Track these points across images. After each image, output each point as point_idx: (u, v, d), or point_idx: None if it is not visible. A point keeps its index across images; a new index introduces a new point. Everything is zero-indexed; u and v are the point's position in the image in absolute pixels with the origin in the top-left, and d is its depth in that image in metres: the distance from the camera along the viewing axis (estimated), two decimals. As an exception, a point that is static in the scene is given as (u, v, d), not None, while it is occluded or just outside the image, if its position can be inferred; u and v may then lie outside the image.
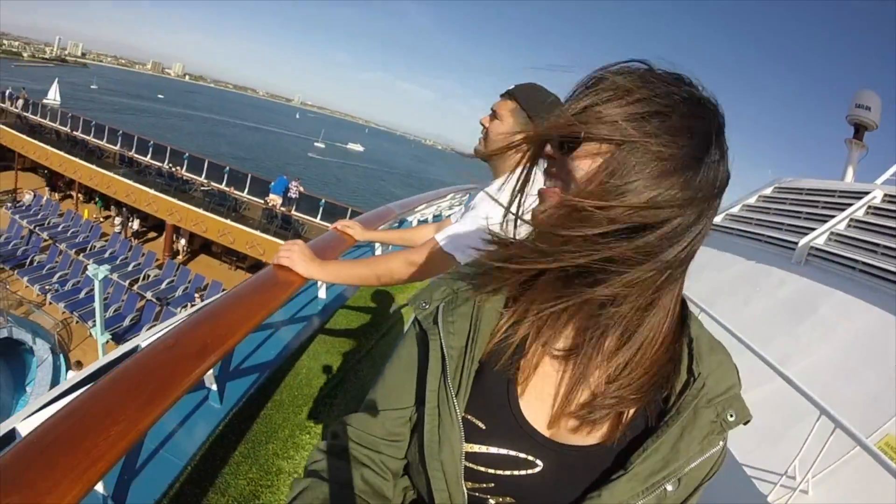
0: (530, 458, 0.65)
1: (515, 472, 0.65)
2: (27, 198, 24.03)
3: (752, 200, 8.52)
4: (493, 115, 1.65)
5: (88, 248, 19.98)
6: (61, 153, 24.12)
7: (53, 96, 54.10)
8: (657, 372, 0.64)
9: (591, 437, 0.65)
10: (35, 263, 18.55)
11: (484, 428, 0.66)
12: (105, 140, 25.63)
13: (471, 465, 0.66)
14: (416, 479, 0.73)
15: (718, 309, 4.69)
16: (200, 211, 19.80)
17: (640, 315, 0.62)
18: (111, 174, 22.18)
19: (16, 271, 17.82)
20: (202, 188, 21.54)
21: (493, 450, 0.65)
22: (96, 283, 10.14)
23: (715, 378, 0.65)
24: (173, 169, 22.86)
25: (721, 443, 0.64)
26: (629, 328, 0.62)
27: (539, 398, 0.67)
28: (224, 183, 22.00)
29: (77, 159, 23.48)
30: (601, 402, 0.63)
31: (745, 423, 0.66)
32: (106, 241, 21.13)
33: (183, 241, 22.34)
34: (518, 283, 0.68)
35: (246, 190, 21.57)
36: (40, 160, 25.42)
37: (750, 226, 7.68)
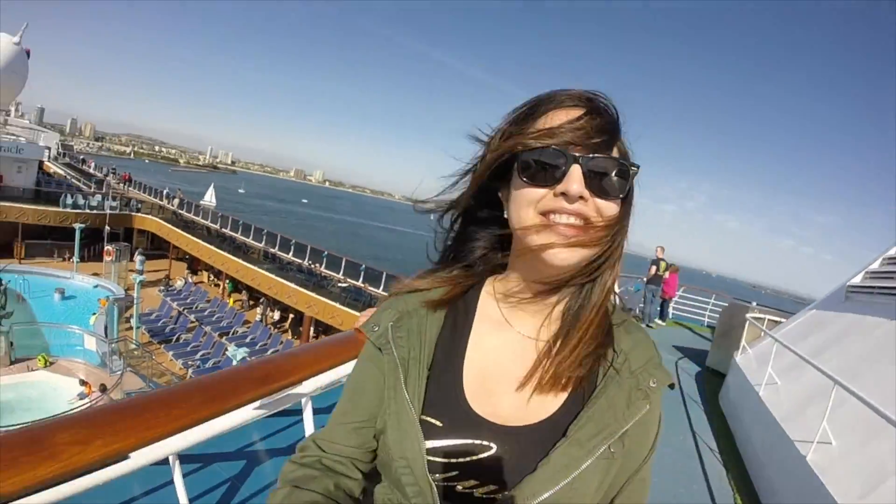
0: (485, 443, 0.72)
1: (474, 458, 0.72)
2: (179, 283, 27.28)
3: (893, 251, 7.51)
4: None
5: (231, 333, 21.73)
6: (211, 247, 26.83)
7: (210, 198, 61.12)
8: (594, 350, 0.76)
9: (535, 416, 0.74)
10: (181, 341, 20.51)
11: (440, 425, 0.74)
12: (251, 237, 28.08)
13: (433, 458, 0.72)
14: (387, 477, 0.79)
15: (865, 381, 4.39)
16: (337, 305, 20.66)
17: (585, 296, 0.77)
18: (256, 268, 24.46)
19: (163, 345, 19.91)
20: (339, 284, 22.92)
21: (451, 442, 0.73)
22: (234, 363, 10.05)
23: (636, 353, 0.78)
24: (313, 265, 24.88)
25: (648, 405, 0.75)
26: (573, 309, 0.78)
27: (486, 389, 0.77)
28: (360, 279, 22.99)
29: (225, 253, 26.34)
30: (543, 380, 0.75)
31: (671, 388, 0.80)
32: (248, 327, 22.91)
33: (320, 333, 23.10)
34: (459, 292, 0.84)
35: (381, 287, 21.90)
36: (192, 251, 28.29)
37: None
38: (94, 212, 28.17)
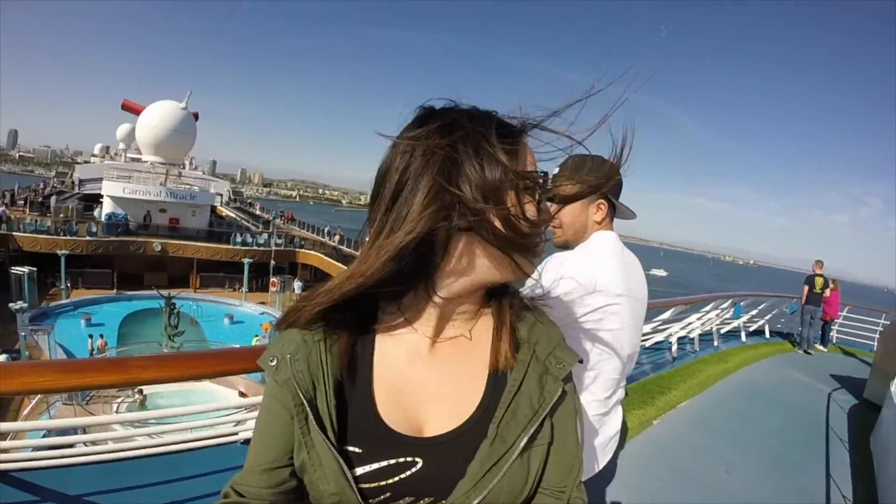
0: (409, 459, 0.71)
1: (403, 476, 0.71)
2: None
3: None
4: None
5: None
6: None
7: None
8: (501, 344, 0.77)
9: (455, 421, 0.74)
10: None
11: (361, 451, 0.71)
12: None
13: (364, 485, 0.70)
14: None
15: None
16: None
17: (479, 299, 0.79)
18: None
19: None
20: None
21: (376, 465, 0.70)
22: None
23: (541, 341, 0.79)
24: None
25: (561, 388, 0.76)
26: (477, 306, 0.79)
27: (401, 404, 0.74)
28: None
29: None
30: (457, 383, 0.76)
31: (581, 362, 0.82)
32: None
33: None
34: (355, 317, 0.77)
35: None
36: None
37: None
38: (262, 248, 31.51)
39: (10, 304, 17.64)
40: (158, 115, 33.46)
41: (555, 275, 1.51)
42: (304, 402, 0.71)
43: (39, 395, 13.42)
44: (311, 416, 0.70)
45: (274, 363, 0.74)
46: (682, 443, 4.41)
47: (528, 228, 0.69)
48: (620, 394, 1.65)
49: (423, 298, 0.74)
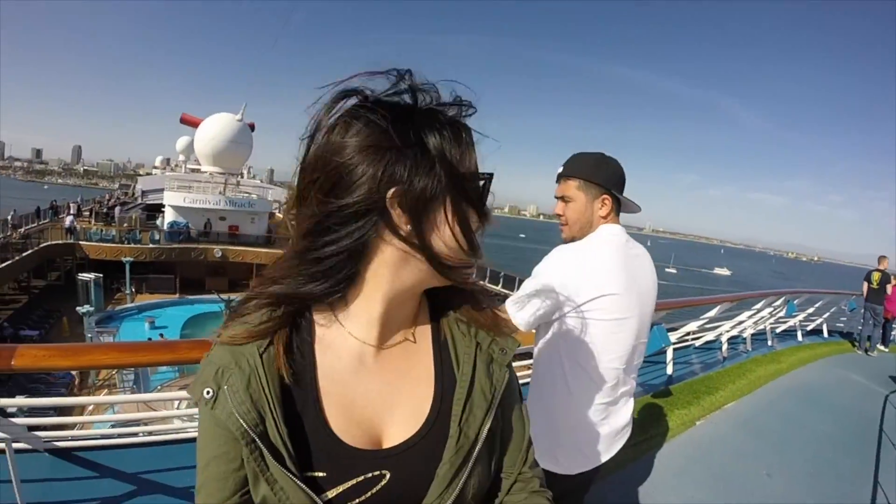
0: (377, 473, 0.69)
1: (373, 491, 0.68)
2: None
3: None
4: (564, 200, 1.70)
5: None
6: None
7: None
8: (444, 341, 0.79)
9: (414, 426, 0.73)
10: None
11: (325, 475, 0.67)
12: None
13: None
14: None
15: None
16: None
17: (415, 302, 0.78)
18: None
19: None
20: None
21: (344, 486, 0.67)
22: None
23: (482, 333, 0.79)
24: None
25: (507, 374, 0.78)
26: (414, 307, 0.78)
27: (354, 419, 0.71)
28: None
29: None
30: (408, 387, 0.75)
31: (520, 346, 0.83)
32: None
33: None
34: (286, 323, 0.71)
35: None
36: None
37: None
38: None
39: (78, 308, 18.65)
40: (215, 128, 34.92)
41: (551, 267, 1.59)
42: (255, 436, 0.65)
43: (107, 389, 14.22)
44: (265, 451, 0.65)
45: (209, 395, 0.67)
46: (724, 444, 4.30)
47: (455, 257, 0.68)
48: (630, 386, 1.69)
49: (357, 304, 0.72)
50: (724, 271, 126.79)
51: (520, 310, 1.48)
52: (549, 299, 1.50)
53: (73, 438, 2.79)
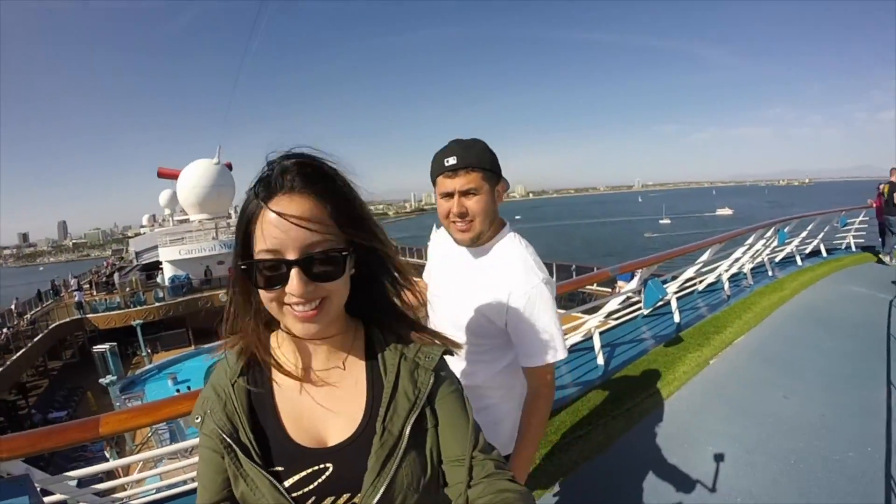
0: (321, 466, 0.87)
1: (320, 480, 0.87)
2: None
3: None
4: (469, 193, 1.55)
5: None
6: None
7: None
8: (371, 358, 0.95)
9: (351, 428, 0.90)
10: None
11: (283, 468, 0.87)
12: None
13: (293, 494, 0.86)
14: None
15: None
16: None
17: (347, 325, 0.96)
18: None
19: None
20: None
21: (297, 476, 0.87)
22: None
23: (410, 345, 0.95)
24: None
25: (431, 378, 0.92)
26: (342, 335, 0.95)
27: (304, 425, 0.91)
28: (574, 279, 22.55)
29: None
30: (343, 399, 0.92)
31: (451, 353, 0.98)
32: None
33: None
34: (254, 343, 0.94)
35: (594, 284, 21.42)
36: None
37: None
38: None
39: (101, 380, 18.80)
40: (195, 176, 34.94)
41: (551, 300, 1.61)
42: (231, 442, 0.87)
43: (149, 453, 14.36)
44: (239, 452, 0.86)
45: (199, 420, 0.93)
46: (738, 377, 4.46)
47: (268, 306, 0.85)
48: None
49: (292, 338, 0.93)
50: (727, 211, 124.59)
51: (558, 349, 1.55)
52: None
53: (131, 498, 2.95)
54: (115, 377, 19.34)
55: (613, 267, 4.71)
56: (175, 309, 28.92)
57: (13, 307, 27.37)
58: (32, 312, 28.19)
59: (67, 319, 27.05)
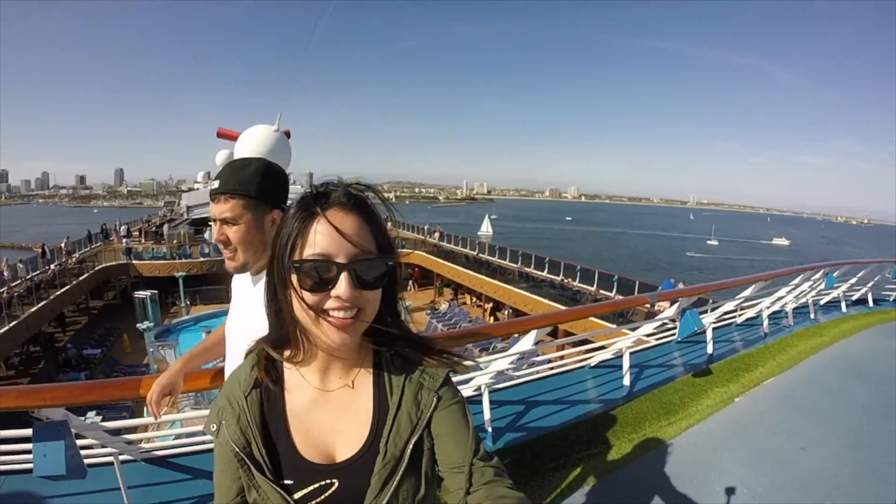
0: (328, 481, 0.93)
1: (327, 494, 0.93)
2: (444, 306, 30.33)
3: None
4: (226, 222, 1.46)
5: (490, 348, 22.74)
6: (470, 272, 29.82)
7: (486, 229, 66.39)
8: (379, 382, 1.00)
9: (356, 446, 0.96)
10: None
11: (293, 482, 0.93)
12: (507, 259, 30.16)
13: None
14: None
15: None
16: (591, 319, 20.72)
17: (357, 349, 0.99)
18: (512, 288, 26.55)
19: None
20: (592, 296, 23.43)
21: (306, 490, 0.93)
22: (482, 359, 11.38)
23: (415, 368, 1.00)
24: (565, 281, 25.82)
25: (435, 400, 0.97)
26: (351, 360, 1.00)
27: (314, 442, 0.96)
28: (614, 290, 23.10)
29: (484, 276, 28.53)
30: (350, 420, 0.97)
31: (452, 372, 1.03)
32: (507, 343, 23.30)
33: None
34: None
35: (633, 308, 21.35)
36: (454, 278, 31.80)
37: None
38: None
39: (138, 325, 19.57)
40: (253, 141, 34.80)
41: None
42: (244, 456, 0.93)
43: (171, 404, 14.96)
44: (251, 466, 0.93)
45: (214, 428, 0.98)
46: (762, 420, 4.40)
47: (300, 307, 0.88)
48: None
49: (308, 357, 0.98)
50: (783, 241, 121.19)
51: None
52: None
53: (166, 448, 3.15)
54: (151, 324, 20.09)
55: (653, 294, 4.68)
56: (219, 266, 29.67)
57: (63, 245, 28.60)
58: (81, 252, 29.56)
59: (114, 263, 28.36)
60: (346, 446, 0.96)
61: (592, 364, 5.19)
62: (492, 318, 28.15)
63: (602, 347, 5.20)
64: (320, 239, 0.85)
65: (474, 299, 31.87)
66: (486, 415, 3.70)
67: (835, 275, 8.70)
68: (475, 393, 3.74)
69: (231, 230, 1.45)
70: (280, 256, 0.90)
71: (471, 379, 3.72)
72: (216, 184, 1.43)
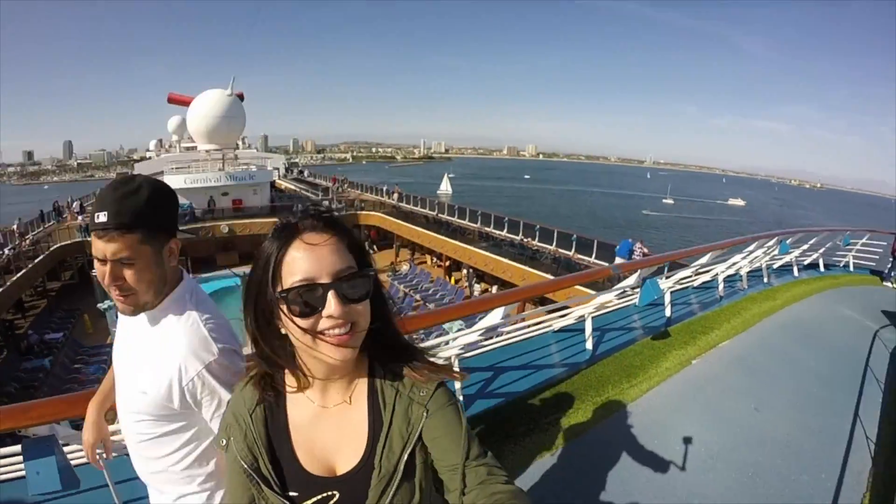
0: (329, 493, 1.00)
1: None
2: (404, 268, 30.90)
3: None
4: (121, 263, 1.23)
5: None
6: (430, 233, 29.83)
7: (445, 188, 65.88)
8: (373, 400, 1.04)
9: (354, 460, 1.01)
10: None
11: (297, 494, 1.00)
12: (467, 219, 30.07)
13: None
14: None
15: None
16: (550, 276, 21.00)
17: (354, 368, 1.05)
18: (472, 248, 26.60)
19: None
20: (551, 256, 23.57)
21: (308, 501, 0.99)
22: (451, 335, 11.36)
23: (406, 383, 1.04)
24: (525, 240, 25.64)
25: (425, 413, 1.00)
26: (348, 378, 1.05)
27: (315, 456, 1.03)
28: (573, 250, 23.18)
29: (443, 237, 29.09)
30: (348, 435, 1.03)
31: (438, 386, 1.03)
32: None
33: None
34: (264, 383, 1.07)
35: (593, 255, 22.08)
36: (413, 239, 31.71)
37: None
38: None
39: (98, 305, 19.11)
40: (206, 106, 34.47)
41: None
42: (252, 472, 1.01)
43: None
44: (259, 482, 1.00)
45: (224, 443, 1.06)
46: (717, 382, 4.63)
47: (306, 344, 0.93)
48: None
49: (302, 378, 1.03)
50: (739, 202, 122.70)
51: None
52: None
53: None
54: (112, 302, 19.51)
55: (615, 265, 4.84)
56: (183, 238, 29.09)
57: (15, 227, 27.42)
58: (34, 233, 28.37)
59: (69, 241, 27.26)
60: (345, 460, 1.02)
61: (556, 328, 5.32)
62: (450, 278, 28.43)
63: (565, 309, 5.33)
64: (300, 264, 0.89)
65: (434, 260, 31.89)
66: (457, 384, 3.78)
67: (788, 242, 9.01)
68: (444, 362, 3.76)
69: (129, 271, 1.25)
70: (262, 292, 0.94)
71: (441, 352, 3.81)
72: (103, 216, 1.19)
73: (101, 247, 1.22)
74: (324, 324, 0.90)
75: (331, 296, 0.88)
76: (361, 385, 1.05)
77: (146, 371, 1.32)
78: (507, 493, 0.93)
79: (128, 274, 1.25)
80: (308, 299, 0.88)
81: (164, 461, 1.41)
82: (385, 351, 1.06)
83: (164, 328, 1.34)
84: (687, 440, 3.59)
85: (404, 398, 1.02)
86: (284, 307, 0.90)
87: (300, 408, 1.05)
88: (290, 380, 1.06)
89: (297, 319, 0.89)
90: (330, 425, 1.04)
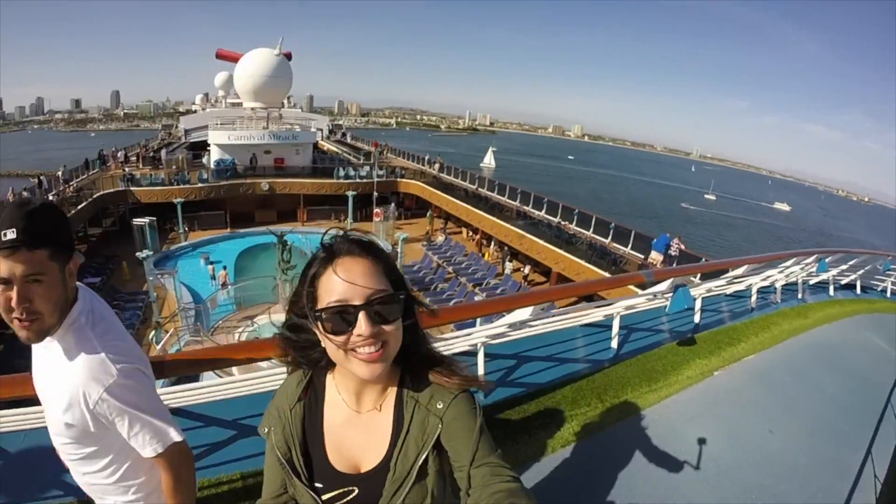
0: (349, 488, 1.12)
1: (348, 499, 1.12)
2: (440, 239, 30.94)
3: None
4: (28, 281, 1.15)
5: (483, 284, 23.83)
6: (468, 206, 29.60)
7: (489, 161, 65.14)
8: (396, 410, 1.14)
9: (375, 460, 1.13)
10: (438, 289, 23.13)
11: (322, 486, 1.13)
12: (506, 196, 30.11)
13: None
14: None
15: None
16: (583, 263, 21.34)
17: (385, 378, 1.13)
18: (509, 226, 26.49)
19: (421, 293, 22.15)
20: (587, 242, 23.16)
21: (332, 493, 1.12)
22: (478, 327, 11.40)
23: (426, 393, 1.12)
24: (562, 224, 25.44)
25: (440, 425, 1.09)
26: (379, 387, 1.15)
27: (343, 454, 1.14)
28: (609, 238, 22.92)
29: (481, 212, 28.94)
30: (374, 437, 1.13)
31: (456, 397, 1.11)
32: (500, 279, 24.79)
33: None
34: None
35: (629, 245, 21.91)
36: (451, 211, 31.72)
37: None
38: (364, 180, 33.27)
39: (137, 254, 19.60)
40: (254, 65, 34.72)
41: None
42: (285, 462, 1.13)
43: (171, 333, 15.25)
44: (290, 471, 1.13)
45: (266, 431, 1.19)
46: (737, 397, 4.60)
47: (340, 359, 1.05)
48: None
49: (345, 380, 1.15)
50: (784, 206, 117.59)
51: (168, 433, 1.44)
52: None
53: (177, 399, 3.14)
54: (151, 252, 20.18)
55: (648, 272, 4.80)
56: (217, 191, 29.86)
57: (60, 174, 28.31)
58: (78, 180, 29.16)
59: (111, 190, 27.93)
60: (368, 461, 1.13)
61: (583, 323, 5.29)
62: (486, 255, 28.55)
63: (593, 302, 5.31)
64: (336, 287, 0.99)
65: (469, 233, 31.89)
66: (481, 370, 3.86)
67: (827, 261, 8.73)
68: (471, 347, 3.88)
69: (39, 289, 1.20)
70: (309, 307, 1.04)
71: (470, 334, 3.85)
72: (11, 233, 1.12)
73: (7, 267, 1.14)
74: (355, 341, 0.99)
75: (361, 316, 0.97)
76: (391, 394, 1.15)
77: (58, 398, 1.32)
78: (506, 493, 0.98)
79: (37, 293, 1.19)
80: (341, 319, 0.98)
81: (97, 476, 1.47)
82: (416, 363, 1.15)
83: (65, 353, 1.31)
84: (698, 454, 3.62)
85: (422, 408, 1.11)
86: (320, 325, 1.01)
87: (336, 410, 1.17)
88: (329, 384, 1.19)
89: (331, 336, 1.00)
90: (359, 429, 1.15)
